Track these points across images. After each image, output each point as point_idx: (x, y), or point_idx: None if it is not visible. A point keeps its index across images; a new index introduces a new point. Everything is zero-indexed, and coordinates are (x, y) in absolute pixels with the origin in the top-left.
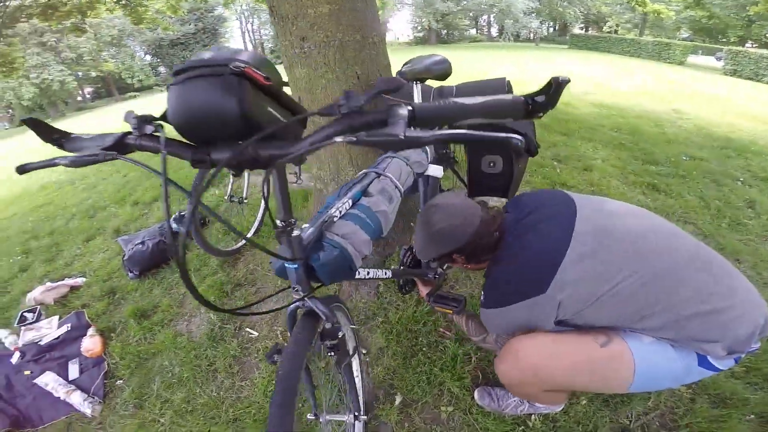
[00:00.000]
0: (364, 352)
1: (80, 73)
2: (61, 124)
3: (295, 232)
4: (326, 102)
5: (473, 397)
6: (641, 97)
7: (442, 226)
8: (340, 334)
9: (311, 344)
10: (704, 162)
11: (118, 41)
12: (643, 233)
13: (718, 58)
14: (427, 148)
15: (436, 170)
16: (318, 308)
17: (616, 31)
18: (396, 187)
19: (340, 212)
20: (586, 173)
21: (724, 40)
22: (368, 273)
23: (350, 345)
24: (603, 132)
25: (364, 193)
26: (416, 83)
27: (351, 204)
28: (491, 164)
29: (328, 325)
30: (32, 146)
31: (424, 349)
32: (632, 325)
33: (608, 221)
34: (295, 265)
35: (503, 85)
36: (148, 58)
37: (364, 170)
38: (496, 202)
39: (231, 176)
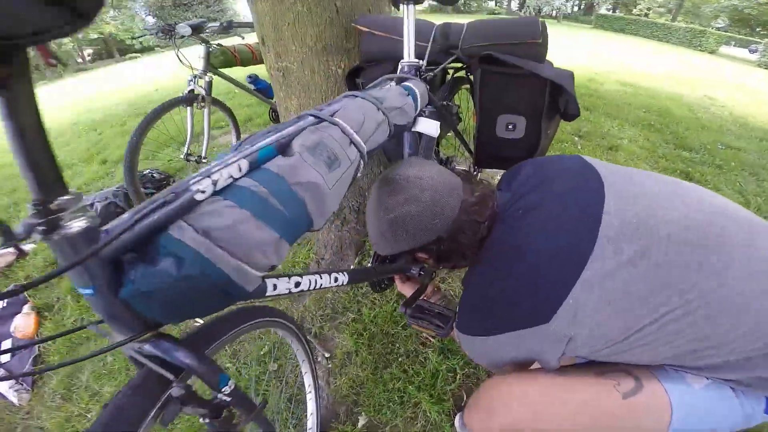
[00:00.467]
0: (326, 356)
1: (80, 34)
2: (58, 86)
3: (75, 224)
4: (294, 40)
5: (453, 424)
6: (671, 80)
7: (402, 212)
8: (227, 390)
9: (153, 415)
10: (742, 153)
11: (119, 2)
12: (706, 228)
13: (752, 51)
14: (416, 91)
15: (429, 126)
16: (164, 359)
17: (646, 15)
18: (352, 142)
19: (215, 184)
20: (611, 153)
21: (763, 32)
22: (298, 284)
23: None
24: (630, 111)
25: (282, 150)
26: (408, 4)
27: (247, 169)
28: (510, 126)
29: (177, 392)
30: None
31: (400, 358)
32: (679, 363)
33: (653, 209)
34: (89, 290)
35: (535, 25)
36: (150, 19)
37: (301, 112)
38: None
39: (189, 133)
